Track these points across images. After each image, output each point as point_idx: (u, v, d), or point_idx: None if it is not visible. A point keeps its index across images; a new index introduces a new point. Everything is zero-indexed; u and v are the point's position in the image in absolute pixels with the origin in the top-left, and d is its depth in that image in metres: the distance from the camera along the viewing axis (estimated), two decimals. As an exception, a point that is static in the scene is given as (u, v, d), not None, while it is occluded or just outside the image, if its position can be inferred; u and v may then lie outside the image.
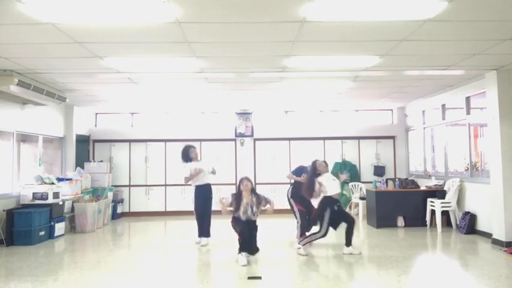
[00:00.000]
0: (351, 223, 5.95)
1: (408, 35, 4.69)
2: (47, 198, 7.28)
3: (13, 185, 7.43)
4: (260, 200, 5.67)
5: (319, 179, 6.01)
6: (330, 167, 10.55)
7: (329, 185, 5.95)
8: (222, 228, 7.27)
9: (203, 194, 6.79)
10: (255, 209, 5.58)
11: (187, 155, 6.88)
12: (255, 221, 5.71)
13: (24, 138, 8.31)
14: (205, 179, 6.83)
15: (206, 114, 10.99)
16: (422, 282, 4.69)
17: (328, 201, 5.89)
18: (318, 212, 6.00)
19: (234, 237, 6.50)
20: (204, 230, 6.73)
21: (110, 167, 10.13)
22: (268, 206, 5.77)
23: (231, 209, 5.67)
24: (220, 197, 5.80)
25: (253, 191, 5.67)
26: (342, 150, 10.78)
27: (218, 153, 10.49)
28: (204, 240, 6.67)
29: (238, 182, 5.82)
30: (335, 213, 5.86)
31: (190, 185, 6.96)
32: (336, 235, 7.83)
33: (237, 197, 5.60)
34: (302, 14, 4.00)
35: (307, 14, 4.00)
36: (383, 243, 6.68)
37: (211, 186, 6.94)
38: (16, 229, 6.81)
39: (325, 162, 6.39)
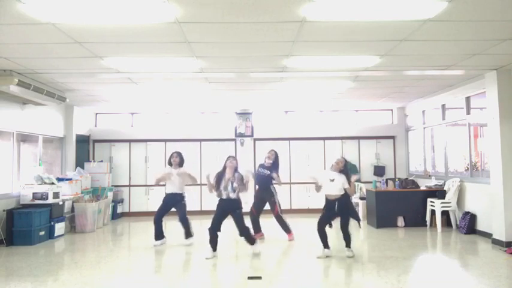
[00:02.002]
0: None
1: (408, 35, 4.69)
2: (47, 198, 7.28)
3: (13, 185, 7.42)
4: (240, 177, 5.88)
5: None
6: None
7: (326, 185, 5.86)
8: (224, 228, 7.26)
9: (169, 200, 6.76)
10: (235, 184, 5.80)
11: (169, 160, 6.93)
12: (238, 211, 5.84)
13: (24, 138, 8.31)
14: (172, 187, 6.74)
15: (206, 114, 10.99)
16: (422, 282, 4.69)
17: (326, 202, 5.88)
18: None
19: (233, 238, 6.50)
20: (185, 231, 6.79)
21: (110, 167, 10.13)
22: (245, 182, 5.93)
23: (213, 184, 5.93)
24: (207, 174, 6.03)
25: (236, 169, 5.92)
26: (342, 150, 10.77)
27: (218, 153, 10.49)
28: (188, 240, 6.73)
29: (225, 160, 6.01)
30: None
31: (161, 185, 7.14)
32: (336, 235, 7.84)
33: (220, 174, 5.90)
34: (302, 14, 4.00)
35: (307, 14, 4.00)
36: (383, 243, 6.68)
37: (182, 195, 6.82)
38: (16, 229, 6.81)
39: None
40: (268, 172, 7.01)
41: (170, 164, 6.86)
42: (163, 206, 6.79)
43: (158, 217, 6.79)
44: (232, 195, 5.81)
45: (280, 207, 7.03)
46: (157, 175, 6.93)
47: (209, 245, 5.86)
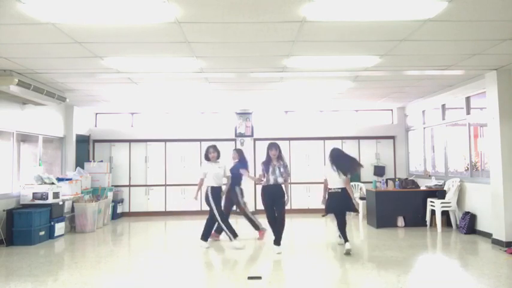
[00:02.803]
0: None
1: (408, 35, 4.69)
2: (47, 198, 7.28)
3: (13, 185, 7.43)
4: (286, 165, 6.33)
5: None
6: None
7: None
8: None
9: (217, 194, 6.49)
10: (282, 169, 6.19)
11: (206, 155, 6.69)
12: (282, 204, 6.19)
13: (24, 138, 8.31)
14: (219, 180, 6.53)
15: (206, 114, 10.99)
16: (422, 282, 4.69)
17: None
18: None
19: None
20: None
21: (110, 167, 10.13)
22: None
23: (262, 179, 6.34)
24: (255, 178, 6.65)
25: (279, 157, 6.29)
26: (342, 150, 10.76)
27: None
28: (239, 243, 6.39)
29: (267, 147, 6.38)
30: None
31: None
32: (336, 235, 7.84)
33: (267, 162, 6.27)
34: (302, 14, 4.00)
35: (307, 14, 4.00)
36: (383, 243, 6.68)
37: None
38: (16, 229, 6.81)
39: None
40: (237, 171, 6.98)
41: (208, 159, 6.61)
42: (219, 202, 6.47)
43: (226, 215, 6.64)
44: (280, 180, 6.15)
45: (245, 206, 7.13)
46: (201, 175, 6.59)
47: (274, 242, 6.09)
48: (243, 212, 7.12)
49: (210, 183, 6.47)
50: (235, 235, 6.41)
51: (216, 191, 6.45)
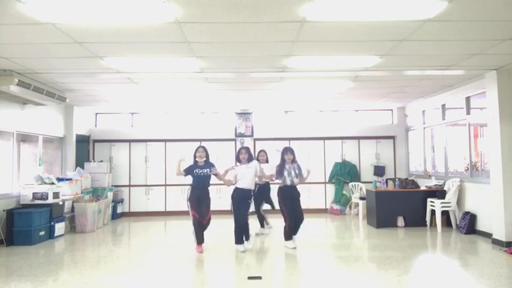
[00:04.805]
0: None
1: (408, 35, 4.69)
2: (47, 198, 7.28)
3: (13, 185, 7.43)
4: (300, 167, 6.55)
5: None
6: (330, 167, 10.61)
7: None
8: (223, 228, 7.28)
9: (244, 197, 6.29)
10: (297, 171, 6.44)
11: (237, 156, 6.58)
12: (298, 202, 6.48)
13: (24, 138, 8.31)
14: (246, 183, 6.29)
15: (206, 114, 10.99)
16: (422, 282, 4.69)
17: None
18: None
19: (232, 237, 6.49)
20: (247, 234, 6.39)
21: (110, 167, 10.13)
22: (306, 172, 6.65)
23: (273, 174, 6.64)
24: (270, 174, 6.71)
25: (293, 160, 6.50)
26: (342, 150, 10.78)
27: (218, 153, 10.48)
28: (247, 244, 6.29)
29: (282, 151, 6.59)
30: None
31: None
32: (336, 235, 7.85)
33: (281, 164, 6.49)
34: (302, 14, 4.01)
35: (307, 14, 4.01)
36: (383, 243, 6.68)
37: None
38: (16, 229, 6.82)
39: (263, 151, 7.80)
40: (209, 170, 6.30)
41: (239, 161, 6.46)
42: (238, 205, 6.28)
43: (246, 218, 6.33)
44: (296, 181, 6.41)
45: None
46: (227, 168, 6.56)
47: (288, 238, 6.39)
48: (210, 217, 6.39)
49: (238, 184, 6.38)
50: (243, 240, 6.30)
51: (239, 193, 6.32)
